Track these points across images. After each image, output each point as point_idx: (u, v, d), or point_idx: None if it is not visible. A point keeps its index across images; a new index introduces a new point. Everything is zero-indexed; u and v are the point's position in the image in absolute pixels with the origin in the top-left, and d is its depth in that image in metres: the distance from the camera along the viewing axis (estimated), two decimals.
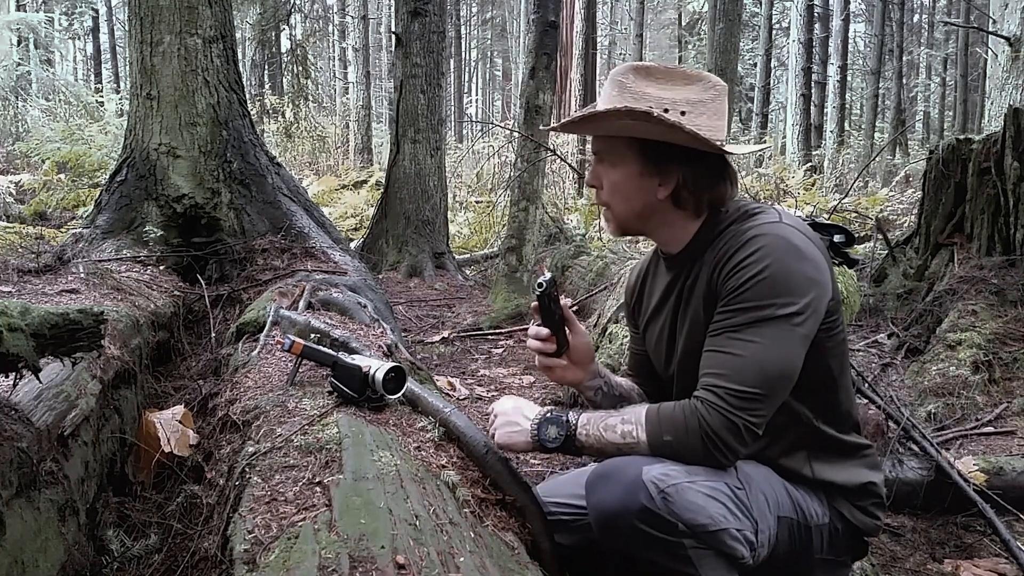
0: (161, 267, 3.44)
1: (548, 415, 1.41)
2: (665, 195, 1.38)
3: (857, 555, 1.50)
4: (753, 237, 1.28)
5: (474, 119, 29.30)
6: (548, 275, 1.45)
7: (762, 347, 1.24)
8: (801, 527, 1.36)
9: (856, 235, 4.92)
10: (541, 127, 5.47)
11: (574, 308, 4.72)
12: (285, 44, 15.00)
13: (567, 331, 1.50)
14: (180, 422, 2.10)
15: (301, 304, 2.67)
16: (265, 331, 2.38)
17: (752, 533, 1.28)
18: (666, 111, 1.31)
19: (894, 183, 10.99)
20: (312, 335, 2.19)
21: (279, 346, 2.15)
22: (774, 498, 1.35)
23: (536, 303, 1.46)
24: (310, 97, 14.36)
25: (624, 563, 1.32)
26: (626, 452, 1.32)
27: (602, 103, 1.38)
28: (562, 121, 1.46)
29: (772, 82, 22.13)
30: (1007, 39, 6.37)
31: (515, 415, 1.45)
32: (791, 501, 1.37)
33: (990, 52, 7.03)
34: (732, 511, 1.26)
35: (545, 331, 1.47)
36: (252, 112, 4.88)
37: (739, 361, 1.24)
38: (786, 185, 9.93)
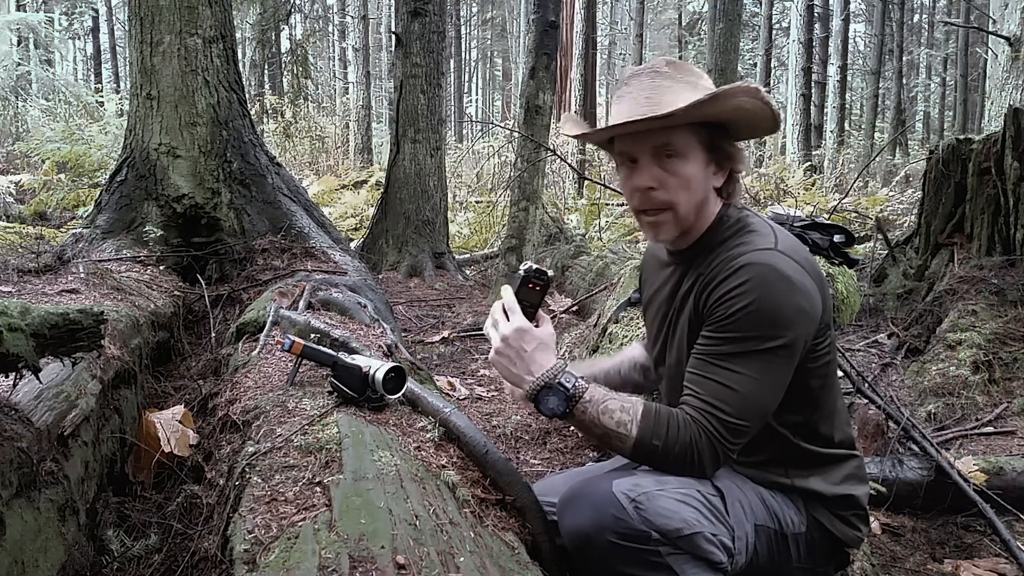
0: (161, 267, 3.43)
1: (554, 382, 1.30)
2: (720, 182, 1.35)
3: (839, 565, 1.48)
4: (743, 266, 1.25)
5: (474, 119, 29.29)
6: (537, 266, 1.39)
7: (751, 381, 1.24)
8: (778, 535, 1.36)
9: (856, 235, 4.92)
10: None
11: (574, 308, 4.71)
12: (285, 44, 15.01)
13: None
14: (180, 422, 2.09)
15: (301, 304, 2.67)
16: (265, 331, 2.38)
17: (729, 539, 1.28)
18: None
19: (894, 183, 11.00)
20: (312, 335, 2.19)
21: (279, 346, 2.15)
22: (750, 507, 1.34)
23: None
24: (310, 97, 14.36)
25: None
26: (612, 439, 1.29)
27: (656, 96, 1.28)
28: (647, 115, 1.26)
29: (772, 82, 22.12)
30: (1007, 39, 6.37)
31: (520, 358, 1.32)
32: (766, 510, 1.36)
33: (990, 52, 7.04)
34: (706, 516, 1.25)
35: (510, 298, 1.36)
36: (252, 112, 4.88)
37: (730, 394, 1.25)
38: (786, 185, 9.92)
